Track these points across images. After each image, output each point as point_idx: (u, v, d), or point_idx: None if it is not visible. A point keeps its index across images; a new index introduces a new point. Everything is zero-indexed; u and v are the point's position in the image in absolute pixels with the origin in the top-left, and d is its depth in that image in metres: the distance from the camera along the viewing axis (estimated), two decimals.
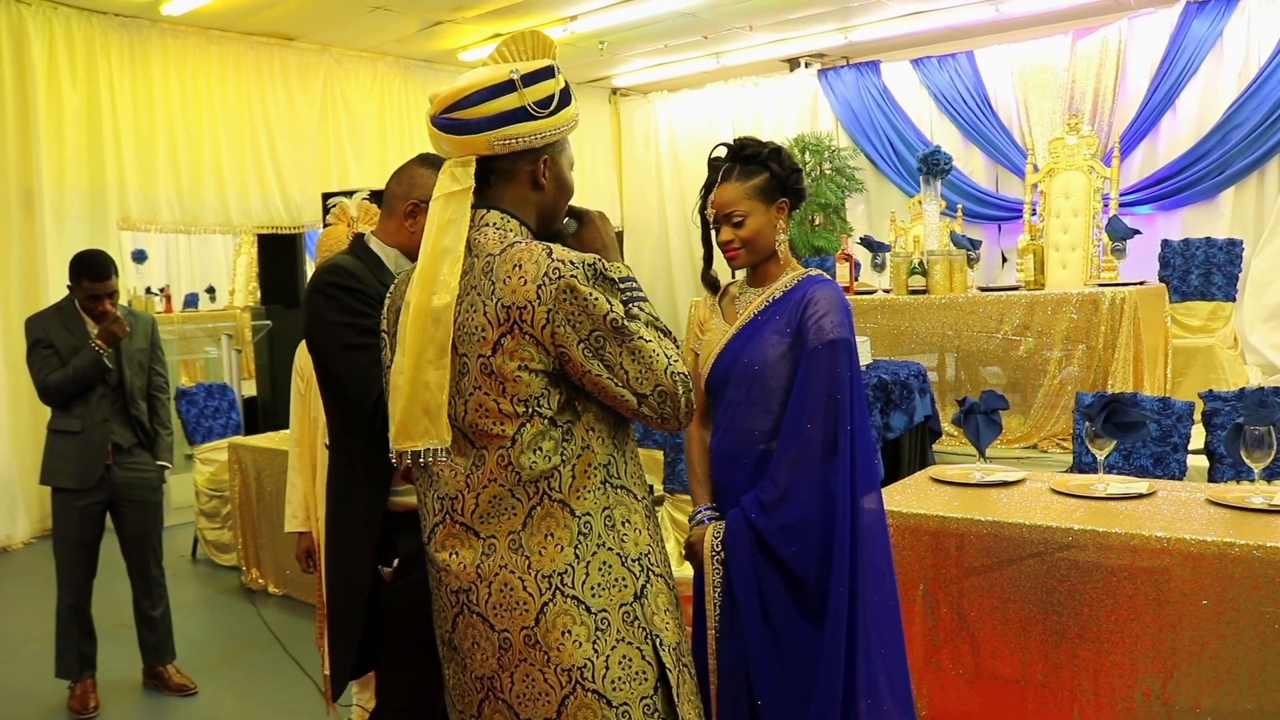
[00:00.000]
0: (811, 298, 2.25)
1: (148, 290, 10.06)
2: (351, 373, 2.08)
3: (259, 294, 9.25)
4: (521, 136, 1.74)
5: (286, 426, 3.73)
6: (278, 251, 8.55)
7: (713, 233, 2.36)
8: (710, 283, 2.46)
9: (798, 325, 2.23)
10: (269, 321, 8.26)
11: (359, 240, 2.30)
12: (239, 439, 5.74)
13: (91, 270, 3.89)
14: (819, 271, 2.37)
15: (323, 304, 2.12)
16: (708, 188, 2.33)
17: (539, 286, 1.62)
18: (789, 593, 2.19)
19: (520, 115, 1.73)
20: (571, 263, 1.64)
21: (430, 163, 2.26)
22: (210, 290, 11.27)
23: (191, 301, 11.03)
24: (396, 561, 2.12)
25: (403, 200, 2.25)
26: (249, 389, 8.45)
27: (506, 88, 1.72)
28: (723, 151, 2.35)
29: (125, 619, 4.26)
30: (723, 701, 2.22)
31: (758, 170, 2.29)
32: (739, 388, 2.27)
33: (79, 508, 3.94)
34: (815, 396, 2.18)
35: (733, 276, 2.49)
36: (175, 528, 6.48)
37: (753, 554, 2.20)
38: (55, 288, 6.82)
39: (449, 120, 1.73)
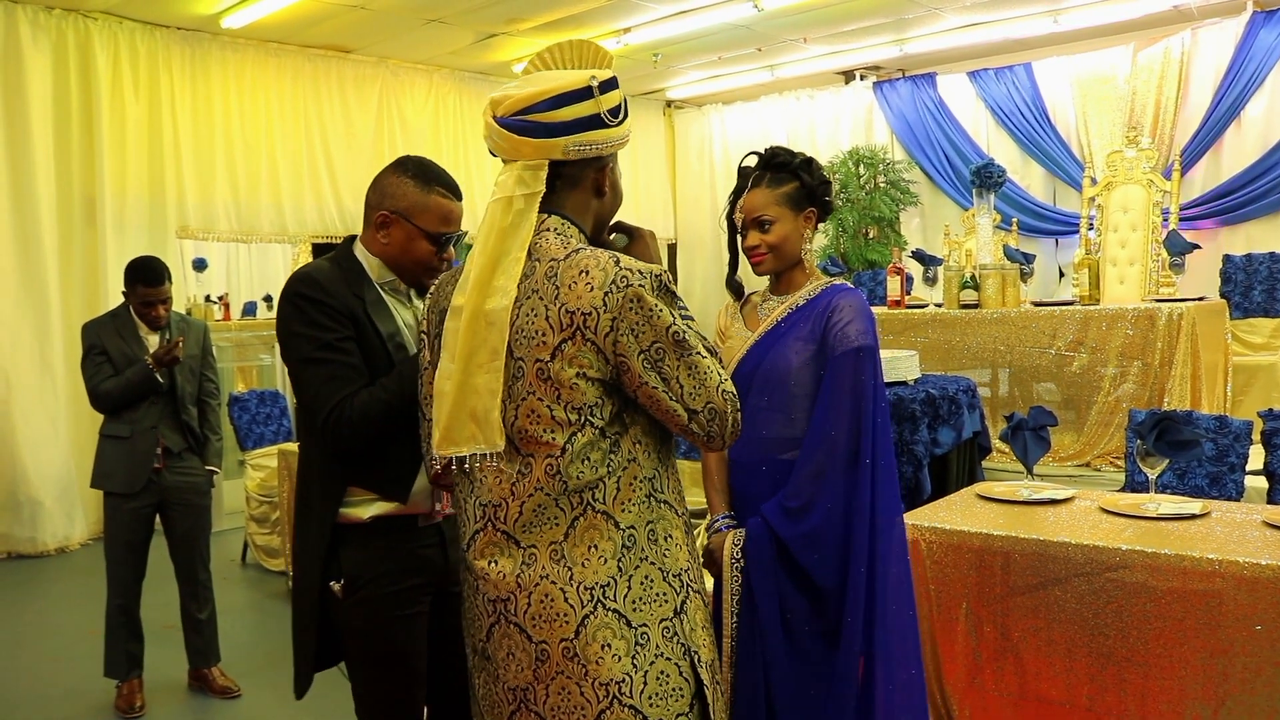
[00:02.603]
0: (836, 305, 2.26)
1: (207, 298, 10.23)
2: (308, 386, 2.08)
3: None
4: (595, 144, 1.73)
5: None
6: None
7: (738, 238, 2.38)
8: (735, 287, 2.47)
9: (822, 332, 2.24)
10: None
11: (346, 245, 2.25)
12: (289, 445, 5.80)
13: (145, 276, 3.98)
14: (843, 281, 2.38)
15: (289, 313, 2.10)
16: (736, 194, 2.35)
17: (605, 294, 1.62)
18: (809, 602, 2.18)
19: (595, 122, 1.72)
20: (640, 272, 1.64)
21: (405, 168, 2.18)
22: (267, 299, 11.43)
23: (250, 310, 11.20)
24: (343, 580, 2.11)
25: (374, 210, 2.18)
26: None
27: (585, 94, 1.71)
28: (753, 160, 2.37)
29: (173, 621, 4.32)
30: (738, 710, 2.20)
31: (788, 179, 2.31)
32: (761, 394, 2.27)
33: (128, 510, 4.01)
34: (840, 403, 2.18)
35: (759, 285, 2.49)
36: (227, 532, 6.58)
37: (774, 562, 2.19)
38: (115, 295, 6.92)
39: (525, 122, 1.70)
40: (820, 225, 2.40)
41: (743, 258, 2.41)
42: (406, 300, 2.26)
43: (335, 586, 2.10)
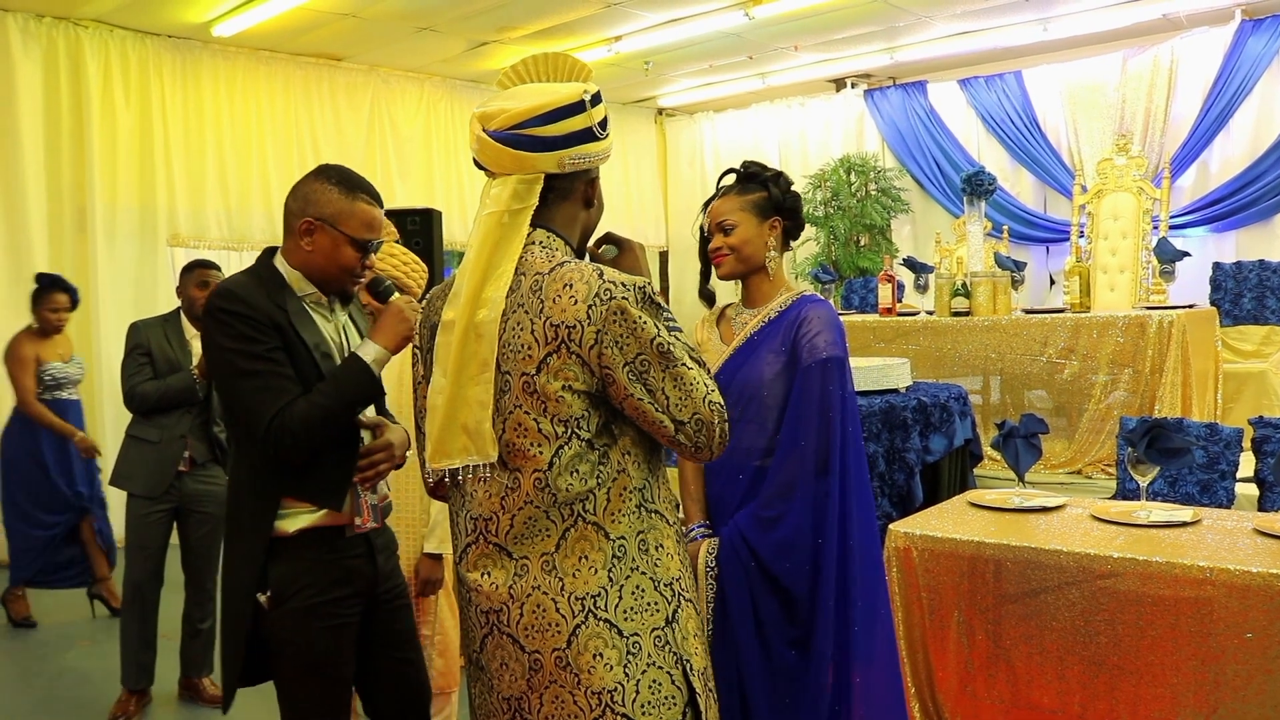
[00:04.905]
0: (805, 317, 2.32)
1: None
2: (243, 399, 2.09)
3: None
4: (588, 156, 1.77)
5: None
6: None
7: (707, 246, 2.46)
8: (707, 296, 2.54)
9: (792, 344, 2.30)
10: None
11: (265, 256, 2.25)
12: None
13: (203, 262, 4.21)
14: (813, 291, 2.46)
15: (214, 328, 2.11)
16: (707, 204, 2.44)
17: (589, 307, 1.63)
18: (781, 609, 2.23)
19: (588, 135, 1.76)
20: (623, 284, 1.65)
21: (329, 176, 2.19)
22: None
23: None
24: (269, 593, 2.12)
25: (298, 218, 2.18)
26: None
27: (579, 108, 1.74)
28: (731, 179, 2.46)
29: (165, 630, 4.29)
30: None
31: (756, 188, 2.40)
32: (735, 406, 2.30)
33: (144, 513, 4.03)
34: (808, 414, 2.24)
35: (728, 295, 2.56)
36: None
37: (746, 570, 2.24)
38: (106, 304, 6.97)
39: (521, 136, 1.72)
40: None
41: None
42: (329, 312, 2.28)
43: (262, 598, 2.12)
